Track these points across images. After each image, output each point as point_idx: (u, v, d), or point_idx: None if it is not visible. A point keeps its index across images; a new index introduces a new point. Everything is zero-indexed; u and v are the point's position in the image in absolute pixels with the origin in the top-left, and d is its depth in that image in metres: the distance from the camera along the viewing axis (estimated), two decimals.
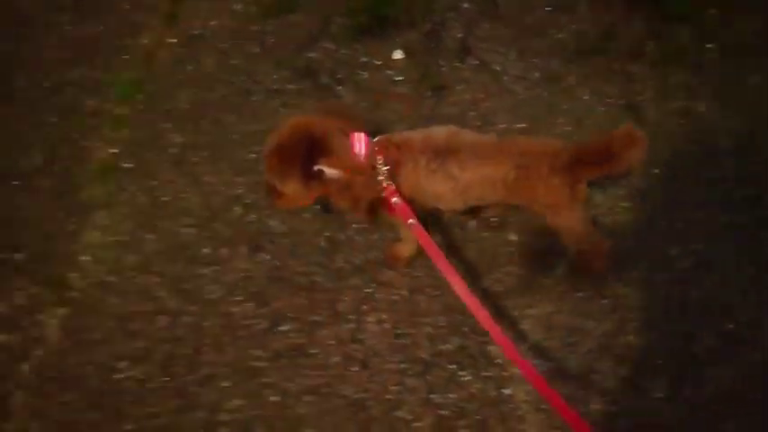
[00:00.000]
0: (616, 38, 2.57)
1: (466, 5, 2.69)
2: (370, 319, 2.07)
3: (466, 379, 1.96)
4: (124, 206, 2.29)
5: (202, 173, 2.35)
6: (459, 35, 2.62)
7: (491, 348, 1.99)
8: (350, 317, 2.07)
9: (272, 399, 1.96)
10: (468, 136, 1.87)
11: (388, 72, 2.55)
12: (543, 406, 1.88)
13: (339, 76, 2.54)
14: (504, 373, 1.95)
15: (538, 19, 2.65)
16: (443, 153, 1.80)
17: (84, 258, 2.20)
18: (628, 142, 1.73)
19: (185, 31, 2.69)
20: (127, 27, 2.72)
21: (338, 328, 2.05)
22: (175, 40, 2.66)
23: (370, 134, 1.86)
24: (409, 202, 1.84)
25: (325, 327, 2.05)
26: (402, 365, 1.99)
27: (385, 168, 1.81)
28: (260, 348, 2.03)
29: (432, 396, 1.94)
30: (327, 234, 2.21)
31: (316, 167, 1.76)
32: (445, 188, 1.84)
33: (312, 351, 2.02)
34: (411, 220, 1.78)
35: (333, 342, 2.03)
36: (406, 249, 2.12)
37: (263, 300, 2.11)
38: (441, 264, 1.71)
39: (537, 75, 2.50)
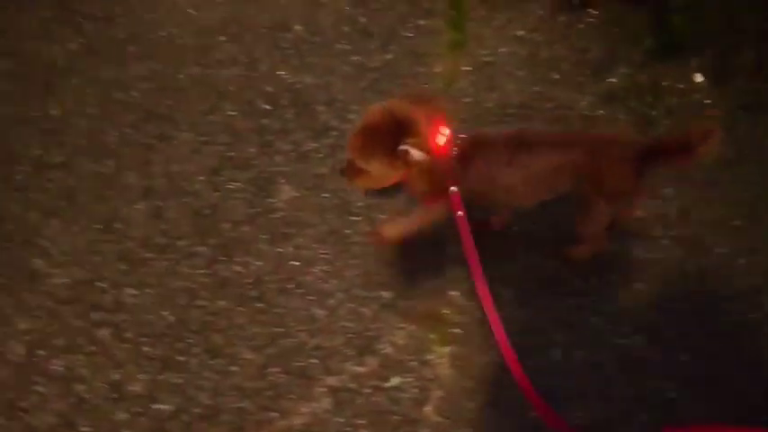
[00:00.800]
0: None
1: (752, 26, 2.71)
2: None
3: None
4: None
5: None
6: (754, 57, 2.63)
7: None
8: (750, 346, 2.06)
9: None
10: (539, 128, 1.97)
11: (696, 95, 2.55)
12: None
13: (648, 99, 2.53)
14: None
15: None
16: (514, 144, 1.88)
17: (453, 293, 2.15)
18: (704, 136, 1.81)
19: (476, 58, 2.66)
20: (413, 56, 2.68)
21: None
22: (470, 68, 2.63)
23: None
24: (480, 197, 1.93)
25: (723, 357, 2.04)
26: None
27: (455, 159, 1.87)
28: (665, 380, 2.00)
29: None
30: (691, 260, 2.19)
31: (401, 147, 1.78)
32: (516, 179, 1.89)
33: (719, 380, 2.00)
34: (460, 212, 1.84)
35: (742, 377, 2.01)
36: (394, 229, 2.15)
37: (653, 332, 2.08)
38: (473, 265, 1.76)
39: None
